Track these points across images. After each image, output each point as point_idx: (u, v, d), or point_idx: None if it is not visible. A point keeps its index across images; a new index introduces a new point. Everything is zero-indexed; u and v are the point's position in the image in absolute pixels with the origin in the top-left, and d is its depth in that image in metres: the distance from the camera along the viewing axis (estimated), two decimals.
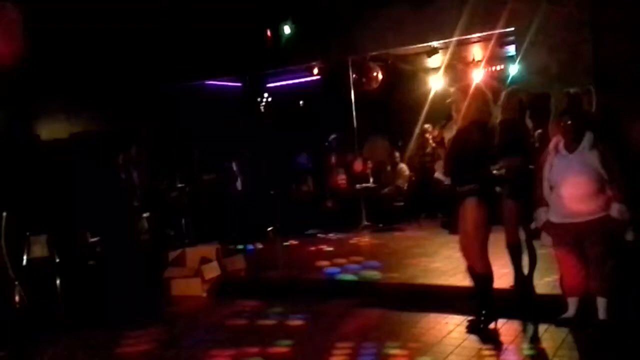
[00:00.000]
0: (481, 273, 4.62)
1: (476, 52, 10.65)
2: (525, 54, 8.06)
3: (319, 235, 9.99)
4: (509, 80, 9.37)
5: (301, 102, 12.27)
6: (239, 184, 10.11)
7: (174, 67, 10.51)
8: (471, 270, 4.71)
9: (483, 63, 10.50)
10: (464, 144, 4.57)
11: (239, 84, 12.32)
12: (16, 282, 6.65)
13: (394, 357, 4.32)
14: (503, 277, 5.46)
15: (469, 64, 10.82)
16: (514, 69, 9.13)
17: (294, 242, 9.69)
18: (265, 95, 12.58)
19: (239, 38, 10.02)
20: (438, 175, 4.70)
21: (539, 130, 5.98)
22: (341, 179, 10.78)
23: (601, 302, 4.42)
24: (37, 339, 5.40)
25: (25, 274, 6.89)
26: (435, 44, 9.49)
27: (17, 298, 6.62)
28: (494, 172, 4.65)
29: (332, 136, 11.30)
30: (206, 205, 9.87)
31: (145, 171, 9.18)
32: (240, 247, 8.40)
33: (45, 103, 9.43)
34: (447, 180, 4.70)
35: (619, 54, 7.31)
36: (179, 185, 9.83)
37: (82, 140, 9.21)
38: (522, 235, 5.25)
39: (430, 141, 10.54)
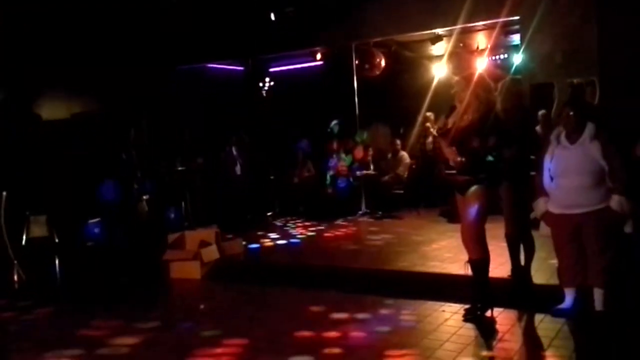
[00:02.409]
0: (477, 258, 4.62)
1: (480, 40, 10.58)
2: (529, 43, 8.02)
3: (318, 220, 9.99)
4: (513, 69, 9.32)
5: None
6: (237, 169, 10.08)
7: (176, 49, 10.47)
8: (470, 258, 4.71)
9: (487, 51, 10.44)
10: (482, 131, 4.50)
11: (241, 68, 12.27)
12: (15, 261, 6.69)
13: (390, 344, 4.33)
14: (500, 266, 5.47)
15: (473, 52, 10.76)
16: (518, 58, 9.07)
17: (292, 227, 9.70)
18: (267, 79, 12.56)
19: (241, 21, 9.97)
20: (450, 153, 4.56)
21: (540, 117, 5.97)
22: (341, 165, 10.76)
23: (598, 294, 4.43)
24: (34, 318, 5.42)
25: (25, 253, 6.93)
26: (439, 31, 9.43)
27: (15, 277, 6.67)
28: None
29: (334, 122, 11.27)
30: (199, 190, 9.84)
31: (145, 153, 9.17)
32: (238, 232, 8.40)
33: (46, 83, 9.41)
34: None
35: (624, 45, 7.26)
36: (179, 168, 9.82)
37: (83, 121, 9.20)
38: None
39: (432, 129, 10.49)
